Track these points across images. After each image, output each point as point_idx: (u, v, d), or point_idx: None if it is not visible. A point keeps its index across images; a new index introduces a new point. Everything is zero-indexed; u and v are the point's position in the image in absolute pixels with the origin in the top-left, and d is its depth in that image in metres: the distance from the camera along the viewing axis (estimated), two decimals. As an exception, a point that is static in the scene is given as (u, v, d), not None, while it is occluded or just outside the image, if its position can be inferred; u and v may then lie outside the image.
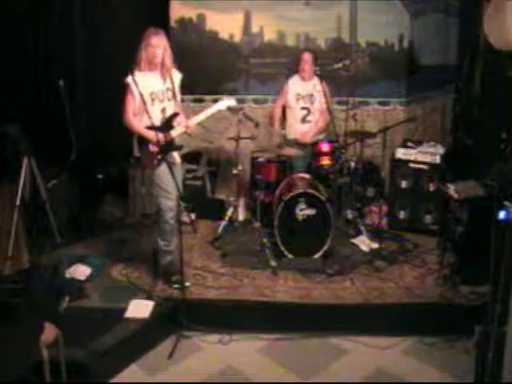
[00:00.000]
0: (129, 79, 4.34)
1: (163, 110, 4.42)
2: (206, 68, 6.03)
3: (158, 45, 4.31)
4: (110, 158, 4.73)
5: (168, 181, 4.30)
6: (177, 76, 4.52)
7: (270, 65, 6.04)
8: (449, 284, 4.47)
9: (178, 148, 4.49)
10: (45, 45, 5.50)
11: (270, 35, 5.99)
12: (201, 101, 6.13)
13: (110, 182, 5.68)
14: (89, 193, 5.51)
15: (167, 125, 4.40)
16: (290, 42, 6.00)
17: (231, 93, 6.03)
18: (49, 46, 5.53)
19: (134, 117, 4.38)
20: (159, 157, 4.35)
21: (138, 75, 4.33)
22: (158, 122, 4.39)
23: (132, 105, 4.37)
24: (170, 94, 4.43)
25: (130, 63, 4.36)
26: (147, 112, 4.24)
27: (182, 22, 5.95)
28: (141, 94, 4.25)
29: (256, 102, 6.09)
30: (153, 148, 4.36)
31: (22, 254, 4.56)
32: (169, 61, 4.40)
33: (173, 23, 5.93)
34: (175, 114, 4.42)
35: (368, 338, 4.12)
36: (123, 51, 4.51)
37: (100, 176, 5.49)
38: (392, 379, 3.78)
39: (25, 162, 4.37)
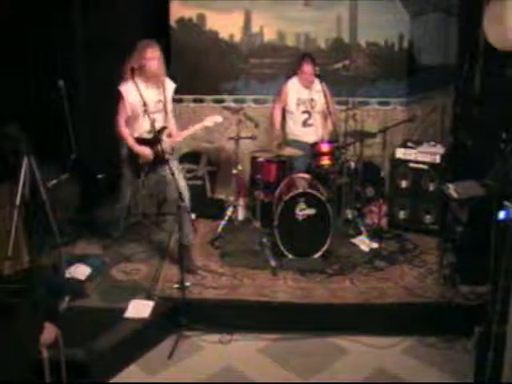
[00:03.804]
0: (121, 87, 4.38)
1: (153, 122, 4.41)
2: (205, 68, 6.02)
3: (152, 57, 4.33)
4: (111, 157, 4.74)
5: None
6: (170, 85, 4.56)
7: (270, 65, 6.03)
8: (449, 284, 4.47)
9: (166, 161, 4.34)
10: (45, 45, 5.50)
11: (269, 35, 5.98)
12: (201, 101, 6.12)
13: (110, 182, 5.68)
14: (89, 193, 5.50)
15: (156, 138, 4.41)
16: (290, 42, 5.99)
17: (231, 93, 6.06)
18: (49, 46, 5.53)
19: (126, 126, 4.47)
20: (146, 169, 4.49)
21: (131, 84, 4.34)
22: (147, 133, 4.48)
23: (124, 113, 4.45)
24: (160, 105, 4.45)
25: (128, 64, 4.38)
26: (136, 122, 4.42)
27: (181, 21, 5.94)
28: (132, 104, 4.34)
29: (256, 101, 6.08)
30: (141, 160, 4.49)
31: (22, 253, 4.55)
32: (163, 71, 4.43)
33: (173, 23, 5.93)
34: (164, 128, 4.47)
35: (368, 338, 4.12)
36: (123, 51, 4.51)
37: (100, 176, 5.49)
38: (392, 379, 3.78)
39: (25, 161, 4.37)
